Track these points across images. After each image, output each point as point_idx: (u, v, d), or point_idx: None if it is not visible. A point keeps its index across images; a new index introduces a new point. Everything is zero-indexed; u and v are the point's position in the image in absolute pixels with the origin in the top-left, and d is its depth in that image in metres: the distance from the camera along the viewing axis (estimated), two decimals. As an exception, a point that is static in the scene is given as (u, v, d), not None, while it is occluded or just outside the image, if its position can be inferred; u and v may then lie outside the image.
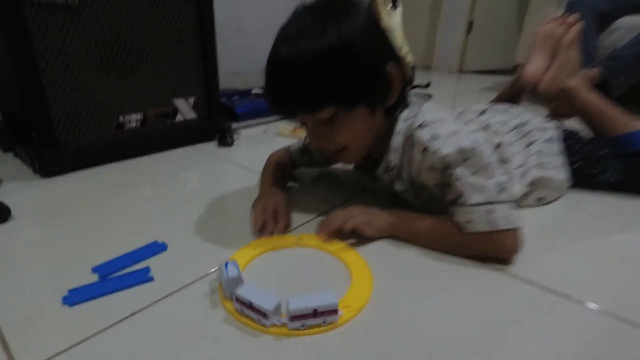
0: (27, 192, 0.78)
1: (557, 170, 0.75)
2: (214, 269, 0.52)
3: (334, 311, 0.43)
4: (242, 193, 0.78)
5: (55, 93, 0.81)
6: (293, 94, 0.56)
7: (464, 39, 3.00)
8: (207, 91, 1.08)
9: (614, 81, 1.48)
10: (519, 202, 0.72)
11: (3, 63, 0.79)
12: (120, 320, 0.44)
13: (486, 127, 0.77)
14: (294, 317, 0.42)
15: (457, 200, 0.55)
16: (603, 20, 1.57)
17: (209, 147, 1.09)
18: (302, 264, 0.55)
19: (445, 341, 0.42)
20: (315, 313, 0.42)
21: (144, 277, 0.50)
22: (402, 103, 0.64)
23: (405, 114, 0.63)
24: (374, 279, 0.51)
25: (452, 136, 0.56)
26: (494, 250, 0.55)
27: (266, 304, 0.42)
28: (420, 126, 0.58)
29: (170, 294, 0.48)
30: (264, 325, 0.42)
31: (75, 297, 0.46)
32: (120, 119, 0.92)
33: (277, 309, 0.43)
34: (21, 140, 0.90)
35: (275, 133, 1.23)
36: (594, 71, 1.43)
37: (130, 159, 0.96)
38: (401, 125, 0.62)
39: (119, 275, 0.51)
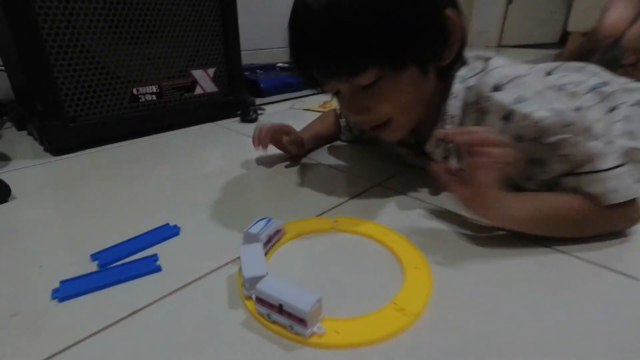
0: (34, 170, 0.71)
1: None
2: (233, 258, 0.43)
3: (302, 320, 0.31)
4: (266, 173, 0.68)
5: (61, 61, 0.73)
6: (325, 54, 0.45)
7: (504, 9, 2.76)
8: (228, 62, 0.98)
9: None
10: None
11: (5, 32, 0.72)
12: (118, 321, 0.35)
13: (559, 89, 0.63)
14: (260, 300, 0.33)
15: (581, 169, 0.43)
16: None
17: (231, 124, 1.00)
18: (339, 253, 0.45)
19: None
20: (280, 309, 0.32)
21: (149, 266, 0.42)
22: (458, 61, 0.51)
23: (462, 72, 0.51)
24: (433, 274, 0.40)
25: (540, 96, 0.44)
26: (630, 222, 0.46)
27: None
28: (496, 87, 0.46)
29: (180, 288, 0.39)
30: (298, 334, 0.32)
31: (67, 290, 0.38)
32: (135, 91, 0.84)
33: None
34: (31, 116, 0.84)
35: (302, 108, 1.13)
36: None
37: (146, 136, 0.88)
38: (458, 86, 0.50)
39: (121, 263, 0.43)
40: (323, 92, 0.54)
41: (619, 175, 0.43)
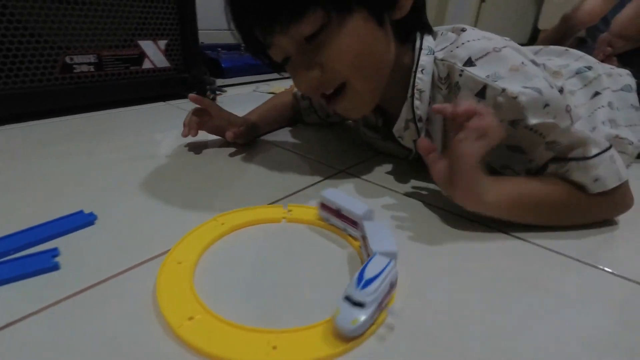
0: None
1: (633, 130, 0.57)
2: (157, 253, 0.35)
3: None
4: (215, 156, 0.59)
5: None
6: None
7: (477, 8, 2.78)
8: (182, 34, 0.88)
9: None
10: None
11: None
12: (-18, 337, 0.26)
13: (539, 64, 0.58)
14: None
15: (565, 156, 0.40)
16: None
17: (184, 104, 0.90)
18: (290, 247, 0.37)
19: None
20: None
21: (44, 263, 0.32)
22: (420, 25, 0.46)
23: (430, 43, 0.45)
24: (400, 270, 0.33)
25: (518, 73, 0.39)
26: (619, 208, 0.42)
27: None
28: (469, 61, 0.40)
29: (81, 291, 0.30)
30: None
31: None
32: (68, 59, 0.73)
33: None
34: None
35: (267, 92, 1.04)
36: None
37: (84, 113, 0.77)
38: (425, 59, 0.44)
39: (5, 260, 0.33)
40: (272, 64, 0.48)
41: (605, 161, 0.39)
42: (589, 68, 0.59)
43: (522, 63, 0.40)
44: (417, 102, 0.46)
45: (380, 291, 0.26)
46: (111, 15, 0.76)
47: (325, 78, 0.44)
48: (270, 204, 0.45)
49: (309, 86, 0.45)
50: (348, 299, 0.26)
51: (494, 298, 0.31)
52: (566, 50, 0.65)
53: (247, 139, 0.63)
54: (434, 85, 0.45)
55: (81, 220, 0.39)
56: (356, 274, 0.27)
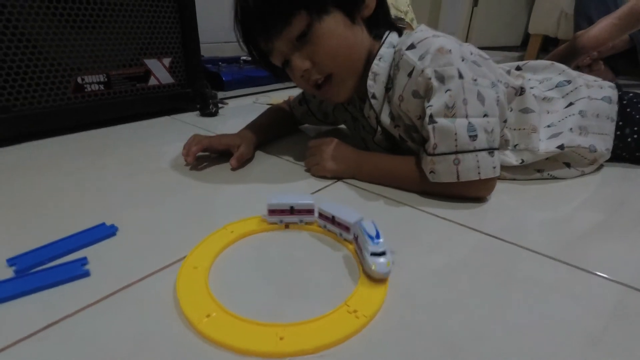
0: (-41, 164, 0.63)
1: (603, 139, 0.61)
2: (174, 260, 0.39)
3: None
4: (220, 168, 0.64)
5: (-8, 45, 0.66)
6: (262, 8, 0.51)
7: (470, 12, 2.83)
8: (185, 51, 0.93)
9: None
10: (545, 166, 0.60)
11: None
12: (32, 334, 0.30)
13: (518, 77, 0.63)
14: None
15: (425, 145, 0.52)
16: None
17: (189, 117, 0.94)
18: (293, 252, 0.42)
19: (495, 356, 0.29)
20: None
21: (76, 271, 0.37)
22: (385, 22, 0.58)
23: (393, 39, 0.56)
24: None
25: (443, 55, 0.49)
26: (458, 195, 0.53)
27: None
28: (410, 47, 0.52)
29: (110, 295, 0.35)
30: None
31: (-28, 300, 0.33)
32: (79, 80, 0.77)
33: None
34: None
35: (266, 103, 1.09)
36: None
37: (93, 129, 0.82)
38: (385, 50, 0.55)
39: (43, 269, 0.38)
40: (276, 71, 0.60)
41: (450, 160, 0.49)
42: (568, 82, 0.64)
43: (450, 51, 0.49)
44: (370, 82, 0.55)
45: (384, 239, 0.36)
46: (119, 36, 0.81)
47: (315, 69, 0.54)
48: (273, 212, 0.49)
49: (304, 78, 0.55)
50: (374, 254, 0.35)
51: (474, 291, 0.36)
52: (552, 64, 0.69)
53: (247, 157, 0.66)
54: (391, 70, 0.55)
55: (104, 232, 0.43)
56: (365, 236, 0.37)
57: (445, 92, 0.48)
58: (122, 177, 0.60)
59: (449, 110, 0.49)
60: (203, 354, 0.29)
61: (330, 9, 0.51)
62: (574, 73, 0.67)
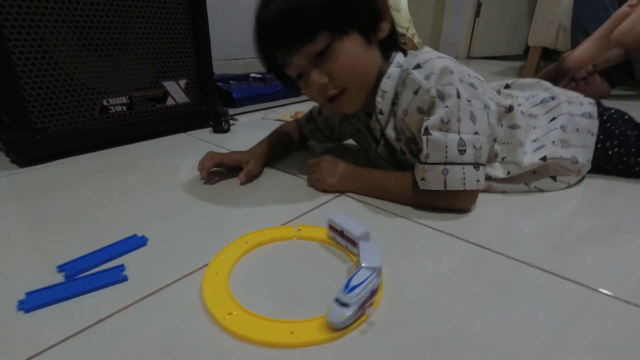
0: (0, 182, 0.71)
1: (584, 151, 0.66)
2: (198, 267, 0.45)
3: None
4: (233, 183, 0.70)
5: (28, 72, 0.73)
6: (282, 29, 0.55)
7: (472, 22, 2.89)
8: (199, 73, 1.00)
9: (638, 61, 1.39)
10: (532, 179, 0.66)
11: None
12: (83, 330, 0.36)
13: (507, 96, 0.69)
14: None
15: (419, 155, 0.57)
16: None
17: (203, 134, 1.01)
18: (300, 260, 0.48)
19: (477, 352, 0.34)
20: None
21: (116, 276, 0.43)
22: (395, 46, 0.63)
23: (400, 59, 0.62)
24: (385, 277, 0.43)
25: (446, 75, 0.54)
26: (443, 205, 0.58)
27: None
28: (416, 66, 0.57)
29: (145, 297, 0.41)
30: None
31: (33, 301, 0.39)
32: (105, 102, 0.85)
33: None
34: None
35: (274, 119, 1.16)
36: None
37: (117, 147, 0.89)
38: (393, 69, 0.61)
39: (88, 274, 0.44)
40: (288, 82, 0.64)
41: (439, 169, 0.54)
42: (552, 98, 0.70)
43: (452, 71, 0.54)
44: (378, 99, 0.61)
45: (362, 296, 0.36)
46: (140, 61, 0.88)
47: (331, 84, 0.58)
48: (282, 224, 0.55)
49: (319, 91, 0.59)
50: (337, 300, 0.36)
51: (458, 294, 0.41)
52: (538, 81, 0.75)
53: (255, 173, 0.72)
54: (398, 87, 0.60)
55: (137, 243, 0.50)
56: (345, 282, 0.37)
57: (443, 108, 0.54)
58: (146, 191, 0.67)
59: (444, 125, 0.54)
60: (227, 345, 0.35)
61: (350, 30, 0.56)
62: (558, 90, 0.72)
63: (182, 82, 0.98)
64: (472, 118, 0.55)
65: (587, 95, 0.75)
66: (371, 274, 0.38)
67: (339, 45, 0.55)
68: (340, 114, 0.76)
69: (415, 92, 0.56)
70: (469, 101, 0.55)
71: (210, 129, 1.05)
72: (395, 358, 0.33)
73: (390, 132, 0.62)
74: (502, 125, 0.64)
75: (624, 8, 1.01)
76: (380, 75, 0.61)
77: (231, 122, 1.08)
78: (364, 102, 0.63)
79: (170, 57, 0.94)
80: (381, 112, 0.62)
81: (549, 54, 2.29)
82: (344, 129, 0.79)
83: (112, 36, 0.83)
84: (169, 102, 0.96)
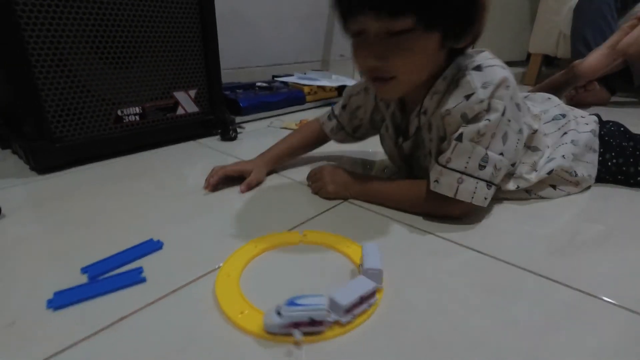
0: (21, 189, 0.75)
1: (584, 166, 0.69)
2: (211, 269, 0.48)
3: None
4: (238, 191, 0.73)
5: (48, 84, 0.77)
6: None
7: (475, 29, 2.92)
8: (208, 83, 1.04)
9: (637, 68, 1.41)
10: (533, 187, 0.67)
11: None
12: (108, 326, 0.40)
13: (535, 117, 0.71)
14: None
15: (440, 155, 0.57)
16: (624, 3, 1.49)
17: (211, 142, 1.05)
18: (306, 263, 0.51)
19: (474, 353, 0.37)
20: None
21: (136, 278, 0.47)
22: (464, 51, 0.58)
23: (460, 60, 0.58)
24: (385, 279, 0.46)
25: (502, 88, 0.53)
26: (443, 211, 0.60)
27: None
28: (477, 68, 0.55)
29: (163, 297, 0.44)
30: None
31: (61, 300, 0.43)
32: (119, 112, 0.89)
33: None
34: (16, 135, 0.87)
35: (280, 127, 1.19)
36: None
37: (130, 154, 0.93)
38: (449, 72, 0.57)
39: (109, 276, 0.47)
40: (344, 30, 0.56)
41: (455, 176, 0.55)
42: (563, 115, 0.73)
43: (508, 87, 0.54)
44: (427, 99, 0.59)
45: (295, 316, 0.37)
46: (152, 73, 0.92)
47: (385, 68, 0.53)
48: (289, 230, 0.58)
49: (369, 66, 0.54)
50: (277, 309, 0.38)
51: (455, 297, 0.44)
52: (549, 98, 0.78)
53: (257, 182, 0.75)
54: (449, 86, 0.57)
55: (153, 247, 0.53)
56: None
57: (485, 120, 0.53)
58: (159, 197, 0.70)
59: (478, 136, 0.54)
60: (240, 342, 0.38)
61: (434, 30, 0.50)
62: (567, 107, 0.76)
63: (192, 92, 1.02)
64: (504, 138, 0.55)
65: (587, 102, 0.78)
66: (320, 304, 0.38)
67: (415, 38, 0.50)
68: (379, 97, 0.72)
69: (467, 97, 0.54)
70: (509, 121, 0.55)
71: (218, 136, 1.09)
72: (395, 358, 0.36)
73: (426, 131, 0.62)
74: (524, 145, 0.64)
75: (634, 21, 1.06)
76: (435, 75, 0.58)
77: (238, 129, 1.12)
78: (404, 94, 0.62)
79: (181, 68, 0.98)
80: (425, 112, 0.61)
81: (550, 61, 2.32)
82: (375, 116, 0.76)
83: (127, 49, 0.87)
84: (179, 111, 1.00)
